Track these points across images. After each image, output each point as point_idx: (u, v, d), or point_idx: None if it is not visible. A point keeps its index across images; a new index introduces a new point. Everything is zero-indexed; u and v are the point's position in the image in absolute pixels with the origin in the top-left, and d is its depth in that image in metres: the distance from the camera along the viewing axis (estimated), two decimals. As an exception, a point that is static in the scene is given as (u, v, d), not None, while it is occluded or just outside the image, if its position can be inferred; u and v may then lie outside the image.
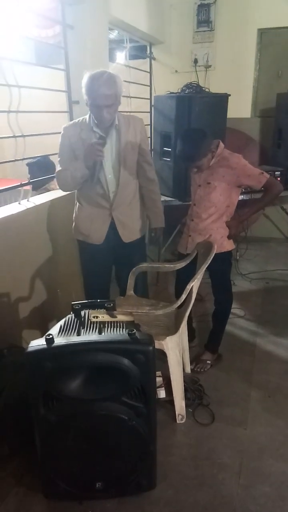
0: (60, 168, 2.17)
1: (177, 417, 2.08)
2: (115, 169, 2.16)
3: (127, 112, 3.53)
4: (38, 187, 3.05)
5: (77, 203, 2.32)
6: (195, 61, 4.41)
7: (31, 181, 2.70)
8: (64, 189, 2.27)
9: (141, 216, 2.36)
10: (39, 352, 1.39)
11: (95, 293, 2.33)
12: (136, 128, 2.18)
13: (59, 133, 2.82)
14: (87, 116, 2.12)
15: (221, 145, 2.26)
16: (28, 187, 2.62)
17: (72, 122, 2.20)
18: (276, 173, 3.66)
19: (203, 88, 3.50)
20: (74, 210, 2.35)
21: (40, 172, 3.05)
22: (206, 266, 2.05)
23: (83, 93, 1.99)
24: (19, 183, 2.43)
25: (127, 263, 2.35)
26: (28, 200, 2.50)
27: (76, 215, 2.34)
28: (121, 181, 2.17)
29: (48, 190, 3.02)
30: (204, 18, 4.26)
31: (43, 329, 2.49)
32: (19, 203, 2.43)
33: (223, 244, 2.33)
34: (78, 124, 2.16)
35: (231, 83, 4.24)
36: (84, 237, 2.31)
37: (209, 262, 2.04)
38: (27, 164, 3.12)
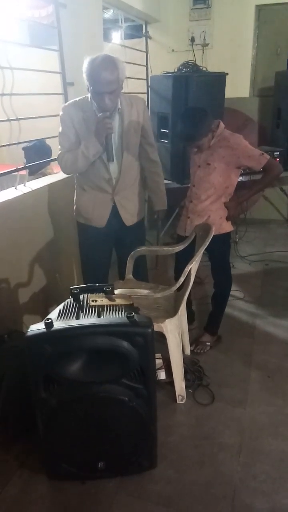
0: (64, 150, 2.10)
1: (177, 398, 2.11)
2: (118, 154, 2.12)
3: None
4: (35, 171, 3.01)
5: (78, 187, 2.28)
6: (192, 39, 4.31)
7: (27, 165, 2.67)
8: (69, 171, 2.16)
9: (141, 199, 2.34)
10: (38, 336, 1.39)
11: (94, 277, 2.32)
12: (138, 109, 2.13)
13: (55, 115, 2.77)
14: (88, 96, 2.03)
15: (221, 125, 2.22)
16: (24, 172, 2.59)
17: (71, 101, 2.11)
18: (275, 153, 3.62)
19: (200, 67, 3.43)
20: (75, 193, 2.31)
21: (37, 156, 3.01)
22: (205, 248, 2.04)
23: (84, 78, 1.92)
24: (14, 168, 2.40)
25: (127, 247, 2.34)
26: (24, 185, 2.47)
27: (77, 198, 2.30)
28: (123, 166, 2.14)
29: (45, 175, 2.99)
30: (200, -5, 4.15)
31: (43, 314, 2.49)
32: (15, 188, 2.41)
33: (222, 225, 2.32)
34: (79, 104, 2.07)
35: (229, 61, 4.16)
36: (85, 220, 2.28)
37: (207, 244, 2.03)
38: (23, 149, 3.08)
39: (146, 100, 4.23)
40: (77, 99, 2.11)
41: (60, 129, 2.11)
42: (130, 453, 1.64)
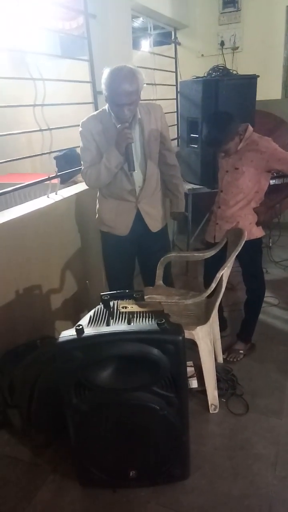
0: (86, 165, 2.11)
1: (210, 407, 2.06)
2: (141, 164, 2.12)
3: (152, 100, 3.49)
4: (66, 180, 3.07)
5: (100, 196, 2.29)
6: (222, 43, 4.27)
7: (58, 174, 2.72)
8: (94, 185, 2.18)
9: (163, 204, 2.34)
10: (69, 342, 1.40)
11: (118, 286, 2.26)
12: (156, 116, 2.13)
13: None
14: (106, 108, 2.04)
15: (250, 128, 2.18)
16: (56, 181, 2.64)
17: (90, 116, 2.11)
18: (309, 155, 3.50)
19: (231, 71, 3.39)
20: (97, 202, 2.32)
21: (67, 165, 3.07)
22: (236, 253, 2.00)
23: (103, 89, 1.92)
24: (46, 177, 2.45)
25: (153, 253, 2.33)
26: (56, 193, 2.52)
27: (99, 207, 2.31)
28: (147, 175, 2.14)
29: (76, 183, 3.03)
30: (229, -2, 4.11)
31: (74, 320, 2.52)
32: (47, 197, 2.46)
33: (252, 231, 2.26)
34: (97, 117, 2.08)
35: (260, 64, 4.09)
36: (108, 229, 2.28)
37: (239, 249, 1.99)
38: (54, 158, 3.15)
39: (176, 105, 4.26)
40: (95, 112, 2.14)
41: (82, 144, 2.12)
42: (162, 463, 1.62)
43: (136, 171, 2.08)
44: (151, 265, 2.34)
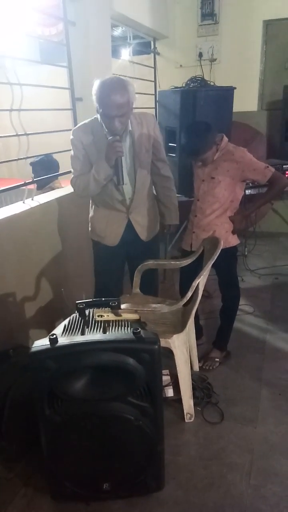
0: (76, 174, 2.10)
1: (185, 416, 2.06)
2: (131, 175, 2.12)
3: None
4: (42, 186, 3.04)
5: (93, 205, 2.29)
6: (200, 55, 4.35)
7: (35, 179, 2.69)
8: (83, 194, 2.16)
9: (155, 214, 2.34)
10: (42, 352, 1.37)
11: (107, 293, 2.28)
12: (149, 126, 2.12)
13: (63, 131, 2.79)
14: (98, 117, 2.02)
15: (225, 138, 2.22)
16: (32, 186, 2.61)
17: (81, 124, 2.10)
18: (284, 166, 3.59)
19: (208, 82, 3.45)
20: (90, 211, 2.32)
21: (44, 171, 3.04)
22: (213, 261, 2.01)
23: (94, 100, 1.90)
24: (22, 182, 2.41)
25: (141, 261, 2.33)
26: (32, 199, 2.48)
27: (91, 215, 2.31)
28: (137, 186, 2.14)
29: (53, 189, 3.00)
30: (208, 11, 4.20)
31: (49, 328, 2.47)
32: (23, 202, 2.42)
33: (228, 239, 2.29)
34: (88, 127, 2.06)
35: (237, 76, 4.18)
36: (99, 238, 2.29)
37: (215, 258, 2.01)
38: (31, 164, 3.11)
39: (154, 115, 4.28)
40: (86, 121, 2.11)
41: (72, 152, 2.11)
42: (136, 474, 1.60)
43: (126, 183, 2.07)
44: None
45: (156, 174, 2.28)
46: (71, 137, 2.09)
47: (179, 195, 3.41)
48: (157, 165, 2.25)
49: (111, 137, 1.93)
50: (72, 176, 2.14)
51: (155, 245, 2.45)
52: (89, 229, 2.34)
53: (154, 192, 2.37)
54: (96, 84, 1.88)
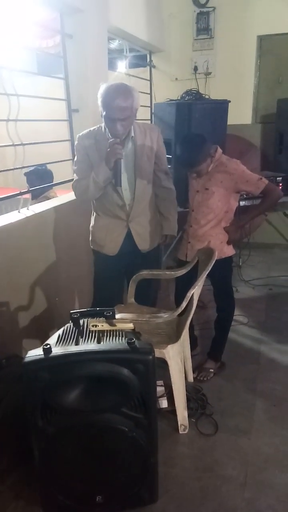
0: (77, 178, 2.15)
1: (179, 428, 2.04)
2: (131, 182, 2.15)
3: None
4: (37, 195, 3.05)
5: (94, 214, 2.32)
6: (195, 68, 4.41)
7: (30, 189, 2.69)
8: (82, 198, 2.20)
9: (156, 225, 2.35)
10: (36, 362, 1.36)
11: (105, 303, 2.27)
12: (152, 137, 2.16)
13: (59, 141, 2.82)
14: (102, 125, 2.09)
15: (219, 150, 2.25)
16: (28, 196, 2.61)
17: (86, 131, 2.16)
18: (278, 178, 3.62)
19: (203, 95, 3.50)
20: (91, 220, 2.35)
21: (38, 180, 3.06)
22: (207, 272, 2.02)
23: (99, 105, 1.96)
24: (18, 192, 2.42)
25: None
26: (28, 209, 2.49)
27: (92, 225, 2.34)
28: (137, 192, 2.16)
29: (48, 198, 3.01)
30: (203, 26, 4.27)
31: (43, 338, 2.45)
32: (18, 212, 2.42)
33: (223, 249, 2.30)
34: (93, 133, 2.13)
35: (232, 89, 4.24)
36: (98, 247, 2.31)
37: (209, 268, 2.01)
38: (25, 174, 3.13)
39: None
40: (92, 128, 2.16)
41: (76, 158, 2.17)
42: (130, 486, 1.58)
43: (125, 189, 2.12)
44: (137, 286, 2.33)
45: (158, 185, 2.31)
46: (76, 142, 2.16)
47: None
48: (159, 176, 2.28)
49: (112, 140, 1.97)
50: (74, 180, 2.19)
51: (155, 258, 2.45)
52: (90, 238, 2.36)
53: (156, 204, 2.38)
54: (102, 87, 1.94)
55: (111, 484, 1.57)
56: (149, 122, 4.35)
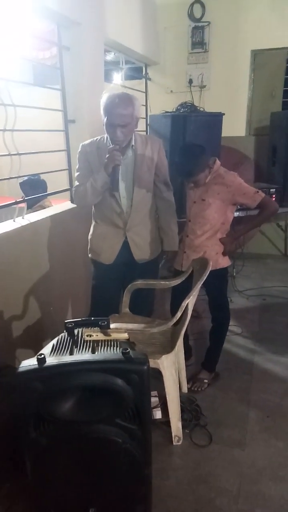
0: (78, 184, 2.20)
1: (173, 439, 2.03)
2: (129, 190, 2.17)
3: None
4: (32, 205, 3.05)
5: (93, 222, 2.35)
6: (190, 81, 4.48)
7: (26, 198, 2.70)
8: (81, 203, 2.27)
9: (155, 238, 2.36)
10: (29, 372, 1.35)
11: (101, 312, 2.26)
12: (154, 148, 2.20)
13: (55, 151, 2.83)
14: (105, 136, 2.15)
15: (218, 162, 2.27)
16: (23, 205, 2.62)
17: (90, 140, 2.23)
18: (271, 190, 3.67)
19: (198, 108, 3.55)
20: (90, 229, 2.38)
21: (32, 190, 3.08)
22: (202, 282, 2.03)
23: (101, 112, 2.02)
24: (13, 201, 2.42)
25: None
26: (23, 218, 2.49)
27: (91, 233, 2.37)
28: (134, 201, 2.18)
29: (43, 208, 3.02)
30: (198, 40, 4.35)
31: (37, 348, 2.44)
32: (13, 221, 2.42)
33: (218, 260, 2.32)
34: (95, 142, 2.19)
35: (226, 102, 4.30)
36: (95, 256, 2.33)
37: (204, 278, 2.02)
38: (19, 184, 3.15)
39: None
40: (95, 138, 2.23)
41: (78, 165, 2.23)
42: (123, 498, 1.56)
43: (123, 197, 2.15)
44: (133, 296, 2.33)
45: (158, 196, 2.33)
46: (79, 149, 2.22)
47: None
48: (159, 187, 2.30)
49: (111, 146, 2.02)
50: (74, 185, 2.24)
51: (154, 270, 2.45)
52: (88, 247, 2.39)
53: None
54: (104, 96, 2.02)
55: (104, 496, 1.55)
56: (145, 133, 4.40)
